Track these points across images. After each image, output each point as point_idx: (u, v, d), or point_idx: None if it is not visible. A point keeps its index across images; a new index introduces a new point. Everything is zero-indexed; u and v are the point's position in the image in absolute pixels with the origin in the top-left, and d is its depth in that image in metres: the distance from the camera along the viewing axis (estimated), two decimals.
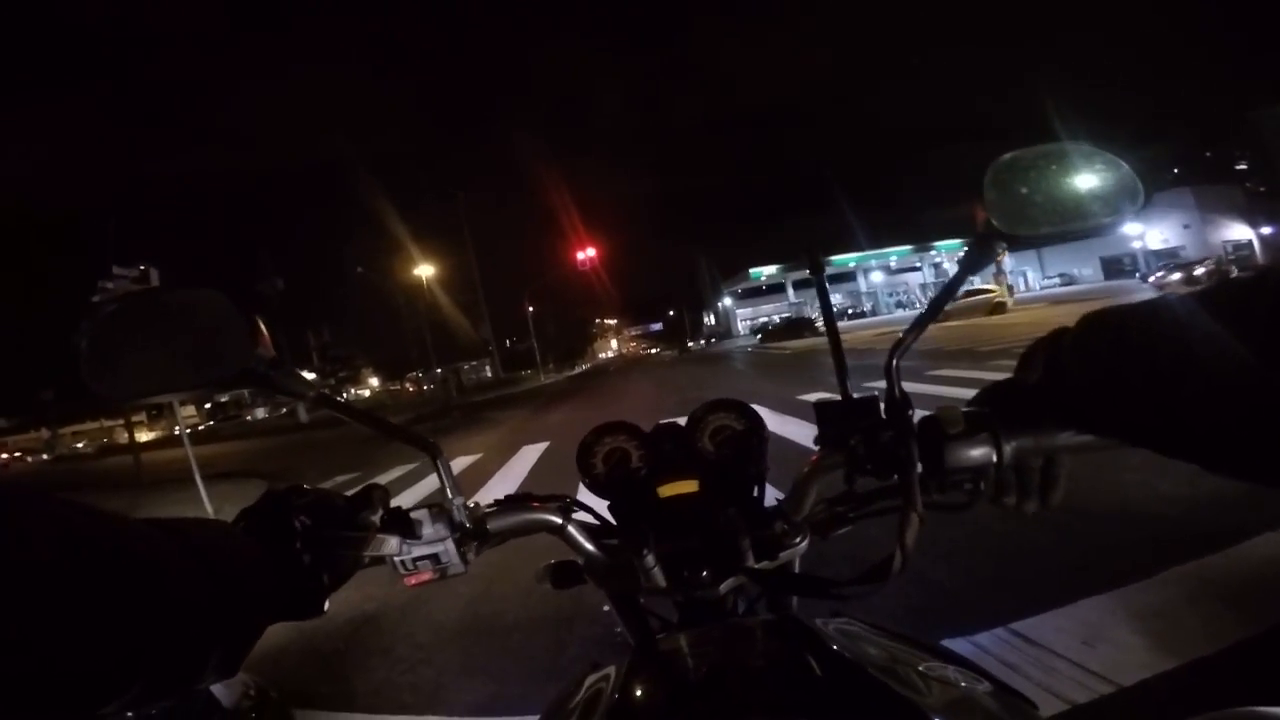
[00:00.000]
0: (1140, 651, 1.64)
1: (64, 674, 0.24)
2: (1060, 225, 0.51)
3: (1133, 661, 1.59)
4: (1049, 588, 2.02)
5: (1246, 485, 0.34)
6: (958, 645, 1.77)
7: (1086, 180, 0.51)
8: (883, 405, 0.53)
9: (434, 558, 0.52)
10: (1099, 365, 0.39)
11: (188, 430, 7.61)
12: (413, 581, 0.53)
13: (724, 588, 0.57)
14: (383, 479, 6.94)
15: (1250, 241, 36.57)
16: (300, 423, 21.88)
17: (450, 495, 0.54)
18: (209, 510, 6.41)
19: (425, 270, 28.93)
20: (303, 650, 2.48)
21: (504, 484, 5.43)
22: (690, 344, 54.98)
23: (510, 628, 2.47)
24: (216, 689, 1.28)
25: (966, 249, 0.55)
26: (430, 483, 5.74)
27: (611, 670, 0.55)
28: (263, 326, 0.48)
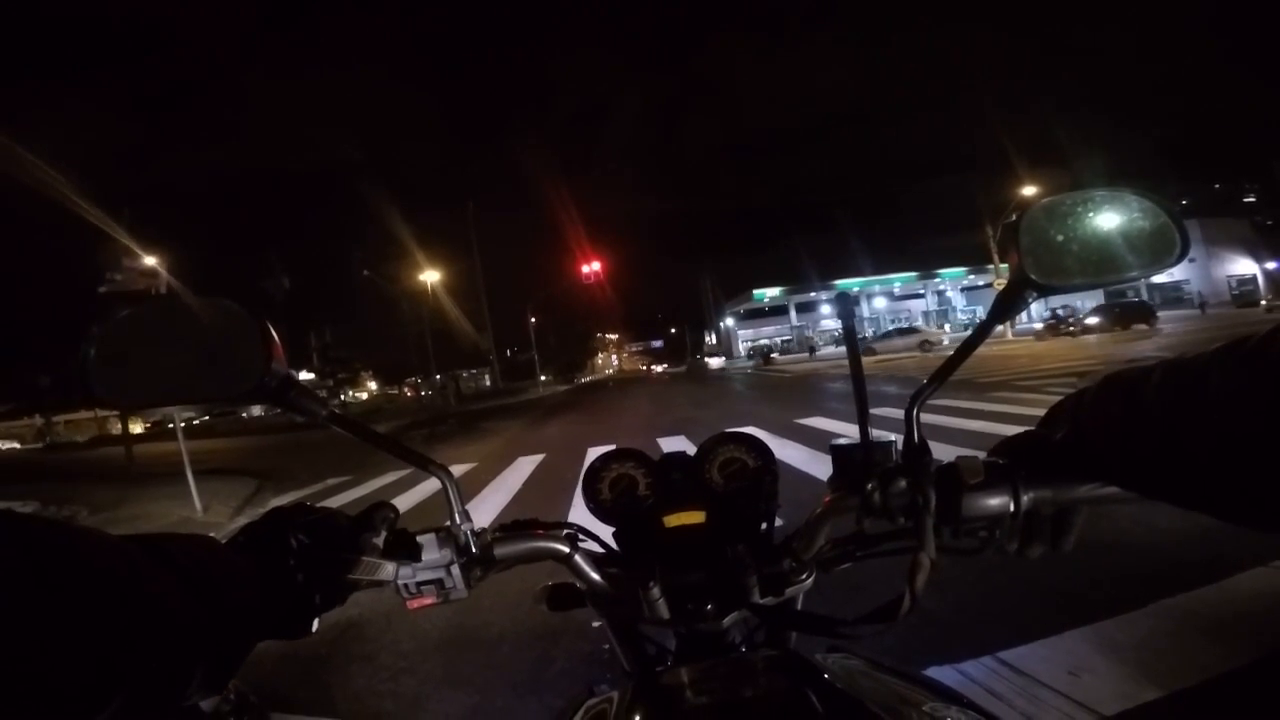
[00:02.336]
0: (1124, 682, 1.64)
1: (36, 691, 0.23)
2: (1095, 276, 0.50)
3: (1116, 692, 1.60)
4: (1037, 618, 2.03)
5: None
6: (945, 674, 1.77)
7: (1124, 229, 0.50)
8: (898, 450, 0.52)
9: (438, 582, 0.52)
10: (1116, 421, 0.40)
11: (182, 424, 7.59)
12: (414, 605, 0.52)
13: (727, 621, 0.57)
14: (376, 483, 6.93)
15: (1255, 276, 36.72)
16: (296, 422, 21.81)
17: (458, 519, 0.53)
18: (197, 506, 6.38)
19: (430, 276, 29.04)
20: (284, 654, 2.45)
21: (497, 495, 5.41)
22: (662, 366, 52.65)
23: (496, 640, 2.45)
24: None
25: (997, 296, 0.54)
26: (422, 489, 5.72)
27: (613, 697, 0.55)
28: (277, 340, 0.47)
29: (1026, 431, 0.51)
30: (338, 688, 2.27)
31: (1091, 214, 0.51)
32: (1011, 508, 0.46)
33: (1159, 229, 0.49)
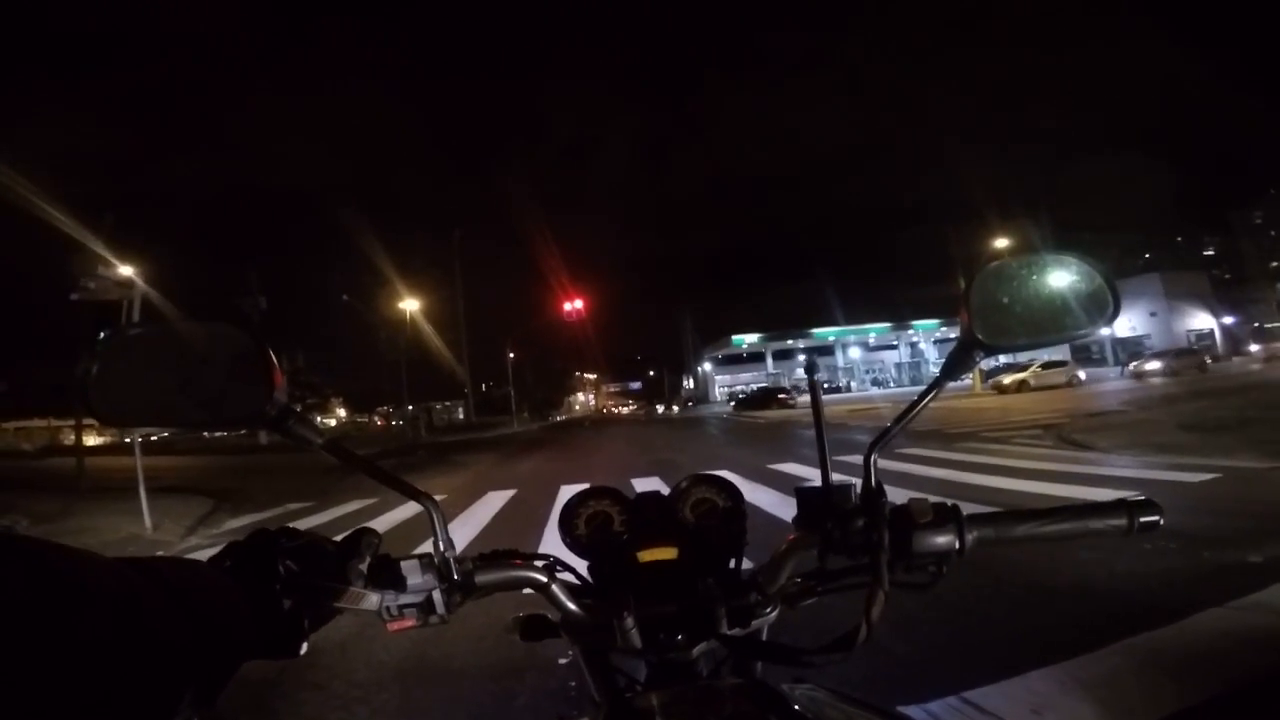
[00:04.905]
0: None
1: (28, 712, 0.23)
2: (1036, 336, 0.55)
3: None
4: (1001, 658, 2.05)
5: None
6: (912, 713, 1.76)
7: (1063, 291, 0.55)
8: (857, 493, 0.57)
9: (419, 606, 0.53)
10: None
11: (139, 440, 7.32)
12: (395, 627, 0.53)
13: (696, 651, 0.59)
14: (338, 512, 6.76)
15: (1212, 331, 38.01)
16: (259, 444, 21.17)
17: (441, 547, 0.55)
18: (147, 523, 6.12)
19: (410, 305, 28.86)
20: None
21: (465, 529, 5.29)
22: (660, 408, 54.55)
23: (458, 673, 2.37)
24: None
25: (949, 355, 0.59)
26: (386, 520, 5.57)
27: None
28: (279, 368, 0.48)
29: None
30: (286, 715, 2.16)
31: (1035, 277, 0.56)
32: (957, 545, 0.52)
33: (1094, 291, 0.55)
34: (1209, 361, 25.91)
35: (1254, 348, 28.45)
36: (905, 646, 2.19)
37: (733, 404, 34.12)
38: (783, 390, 31.09)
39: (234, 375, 0.47)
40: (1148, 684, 1.82)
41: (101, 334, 0.47)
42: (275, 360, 0.47)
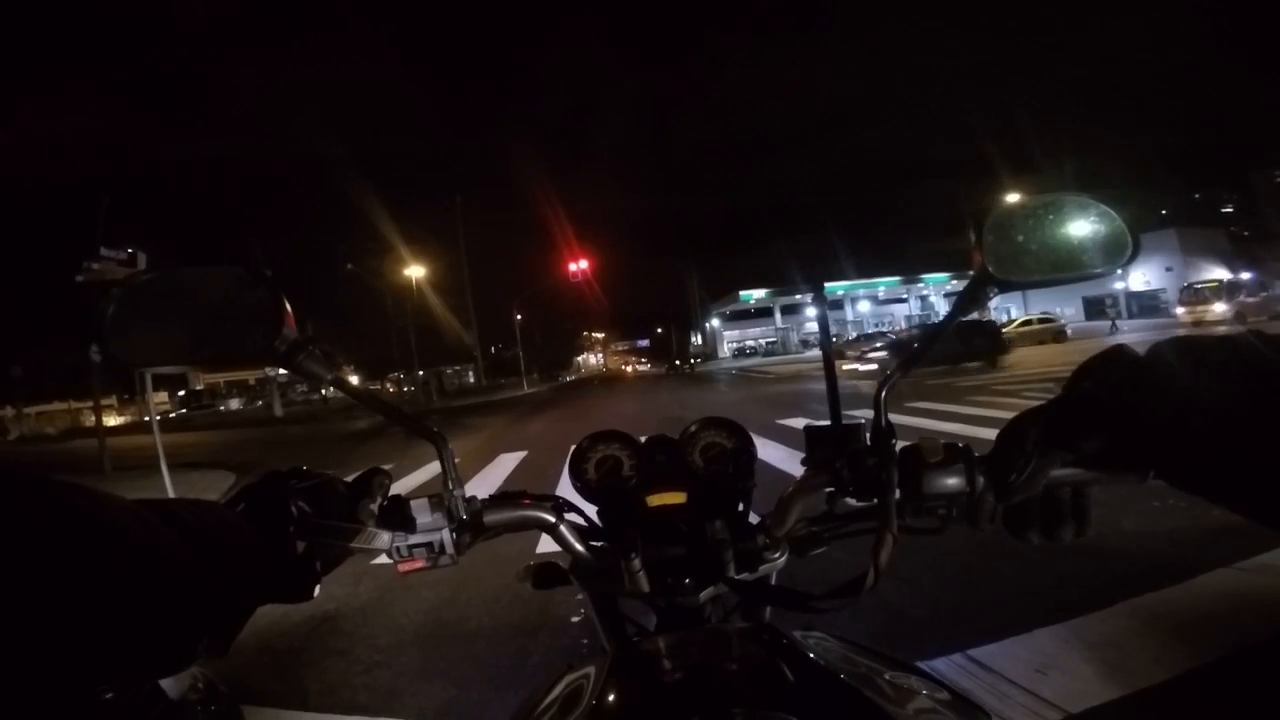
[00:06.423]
0: (1091, 680, 1.67)
1: (60, 654, 0.24)
2: (1051, 274, 0.53)
3: (1083, 690, 1.63)
4: (1007, 616, 2.06)
5: (1202, 523, 0.35)
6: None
7: (1080, 231, 0.53)
8: (868, 433, 0.55)
9: (429, 546, 0.53)
10: (1157, 408, 0.39)
11: (158, 417, 7.46)
12: (405, 568, 0.53)
13: (704, 595, 0.59)
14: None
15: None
16: (275, 416, 21.56)
17: (450, 486, 0.55)
18: None
19: (415, 271, 28.81)
20: (256, 646, 2.42)
21: (477, 490, 5.34)
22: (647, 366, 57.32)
23: (474, 634, 2.44)
24: (163, 680, 1.25)
25: (961, 291, 0.57)
26: (406, 484, 5.68)
27: (590, 670, 0.55)
28: (289, 308, 0.49)
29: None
30: (311, 680, 2.25)
31: (1051, 217, 0.54)
32: (967, 486, 0.49)
33: (1113, 232, 0.53)
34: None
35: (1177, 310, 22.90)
36: (911, 603, 2.22)
37: (666, 368, 43.99)
38: (680, 358, 43.98)
39: (245, 314, 0.49)
40: (1153, 644, 1.83)
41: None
42: (285, 300, 0.48)
